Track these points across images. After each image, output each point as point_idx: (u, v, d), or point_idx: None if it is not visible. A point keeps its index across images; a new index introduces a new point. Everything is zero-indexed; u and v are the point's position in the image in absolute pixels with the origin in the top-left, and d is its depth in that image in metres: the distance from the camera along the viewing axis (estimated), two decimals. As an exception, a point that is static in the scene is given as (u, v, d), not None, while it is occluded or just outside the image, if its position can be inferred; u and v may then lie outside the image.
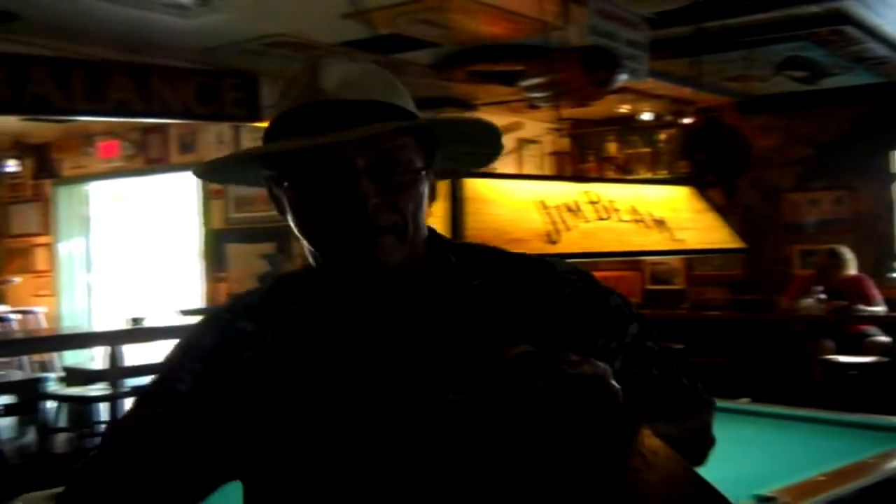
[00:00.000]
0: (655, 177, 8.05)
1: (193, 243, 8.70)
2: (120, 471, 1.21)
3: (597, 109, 7.71)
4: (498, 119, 8.49)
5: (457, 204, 2.71)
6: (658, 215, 3.31)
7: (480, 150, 1.29)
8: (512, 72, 6.08)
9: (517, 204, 2.88)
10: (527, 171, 8.63)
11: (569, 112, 8.66)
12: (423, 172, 1.17)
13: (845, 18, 5.51)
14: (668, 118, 8.18)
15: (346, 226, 1.12)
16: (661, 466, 0.99)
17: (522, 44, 5.84)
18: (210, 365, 1.21)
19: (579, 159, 9.15)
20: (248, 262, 7.71)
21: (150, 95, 6.05)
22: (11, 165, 9.96)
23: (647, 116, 7.96)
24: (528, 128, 9.09)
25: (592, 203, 3.16)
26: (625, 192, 3.35)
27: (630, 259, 7.93)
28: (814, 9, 5.39)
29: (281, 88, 1.22)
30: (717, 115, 8.19)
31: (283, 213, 1.20)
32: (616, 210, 3.20)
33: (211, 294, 8.27)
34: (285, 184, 1.16)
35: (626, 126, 8.64)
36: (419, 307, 1.19)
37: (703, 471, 1.02)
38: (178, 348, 1.27)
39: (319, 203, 1.13)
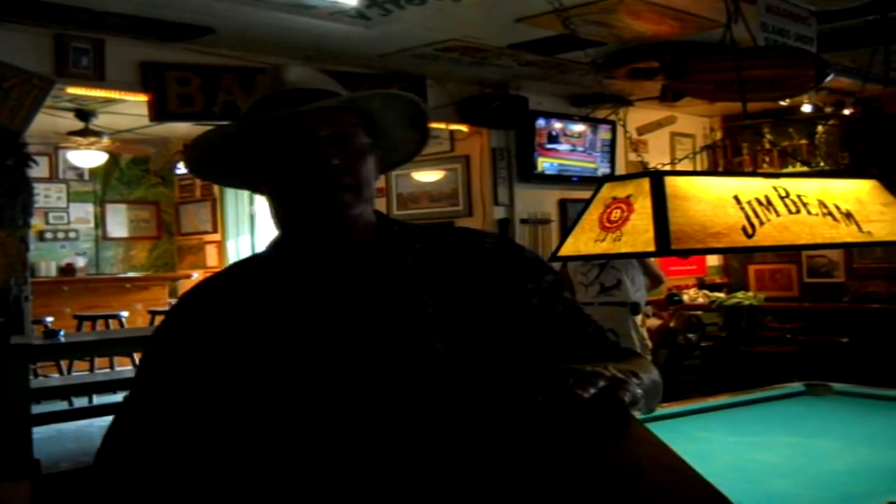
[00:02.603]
0: (817, 169, 7.97)
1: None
2: (145, 439, 1.37)
3: (753, 103, 7.70)
4: (652, 114, 8.60)
5: (660, 201, 2.89)
6: (845, 208, 3.40)
7: (415, 137, 1.56)
8: (670, 67, 6.20)
9: (714, 199, 3.02)
10: (680, 166, 8.67)
11: (720, 106, 8.70)
12: (370, 148, 1.43)
13: None
14: (828, 110, 8.09)
15: (314, 183, 1.37)
16: (661, 466, 1.09)
17: (681, 41, 5.96)
18: (191, 332, 1.41)
19: (733, 152, 9.13)
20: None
21: (326, 100, 6.42)
22: (182, 167, 10.62)
23: (806, 108, 7.89)
24: (680, 122, 9.15)
25: (782, 197, 3.27)
26: (811, 185, 3.44)
27: (788, 252, 7.90)
28: None
29: (250, 92, 1.48)
30: (877, 106, 8.06)
31: (265, 192, 1.45)
32: (805, 203, 3.30)
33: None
34: (262, 163, 1.41)
35: (782, 118, 8.58)
36: (371, 265, 1.42)
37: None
38: (159, 326, 1.48)
39: (291, 168, 1.37)
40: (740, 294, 8.32)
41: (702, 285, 9.03)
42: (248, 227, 10.65)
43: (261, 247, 7.94)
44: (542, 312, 1.43)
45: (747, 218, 3.10)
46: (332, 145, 1.37)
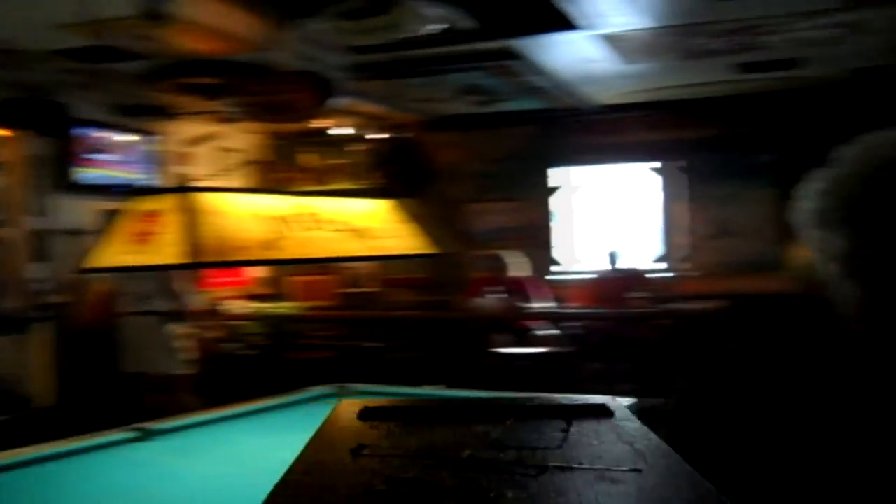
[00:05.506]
0: (354, 187, 8.64)
1: None
2: None
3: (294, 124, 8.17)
4: (199, 128, 8.75)
5: (188, 216, 3.09)
6: (359, 225, 3.84)
7: None
8: (217, 85, 6.42)
9: (240, 215, 3.29)
10: (231, 180, 8.91)
11: (269, 126, 9.07)
12: None
13: (512, 55, 6.37)
14: (363, 133, 8.81)
15: None
16: (661, 466, 1.09)
17: (229, 60, 6.19)
18: None
19: (280, 169, 9.54)
20: None
21: None
22: None
23: (345, 131, 8.52)
24: (232, 137, 9.37)
25: (302, 215, 3.64)
26: (330, 204, 3.84)
27: (327, 265, 8.49)
28: (489, 45, 6.18)
29: None
30: (406, 132, 8.94)
31: None
32: (323, 221, 3.70)
33: None
34: None
35: (322, 139, 9.15)
36: None
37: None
38: None
39: None
40: (283, 304, 8.74)
41: (250, 296, 9.31)
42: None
43: None
44: None
45: (271, 233, 3.41)
46: None
